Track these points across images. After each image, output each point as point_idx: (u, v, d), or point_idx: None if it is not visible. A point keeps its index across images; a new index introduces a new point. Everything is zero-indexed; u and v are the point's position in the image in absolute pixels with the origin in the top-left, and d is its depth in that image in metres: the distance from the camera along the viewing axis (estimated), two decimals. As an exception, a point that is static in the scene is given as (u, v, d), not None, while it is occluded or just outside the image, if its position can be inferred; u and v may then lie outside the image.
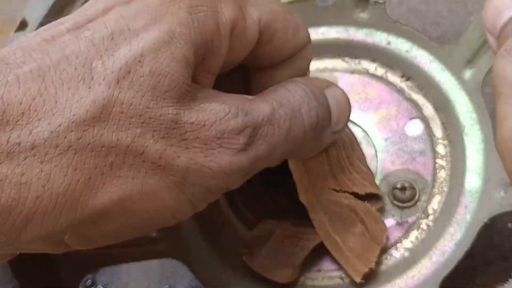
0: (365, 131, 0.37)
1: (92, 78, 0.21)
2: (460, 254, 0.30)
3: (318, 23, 0.39)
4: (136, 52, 0.22)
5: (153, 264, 0.42)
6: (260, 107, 0.25)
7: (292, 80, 0.28)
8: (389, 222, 0.34)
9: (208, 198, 0.25)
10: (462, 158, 0.33)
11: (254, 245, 0.35)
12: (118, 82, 0.21)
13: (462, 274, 0.34)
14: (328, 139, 0.30)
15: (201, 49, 0.24)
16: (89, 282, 0.41)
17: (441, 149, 0.35)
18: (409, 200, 0.34)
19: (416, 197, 0.34)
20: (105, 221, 0.22)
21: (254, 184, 0.35)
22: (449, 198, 0.33)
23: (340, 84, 0.38)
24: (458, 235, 0.31)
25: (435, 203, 0.33)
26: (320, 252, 0.33)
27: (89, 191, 0.21)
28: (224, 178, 0.24)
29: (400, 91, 0.37)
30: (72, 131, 0.20)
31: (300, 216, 0.33)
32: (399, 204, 0.34)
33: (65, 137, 0.20)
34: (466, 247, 0.30)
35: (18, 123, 0.20)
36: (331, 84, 0.30)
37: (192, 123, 0.23)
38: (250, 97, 0.26)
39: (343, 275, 0.33)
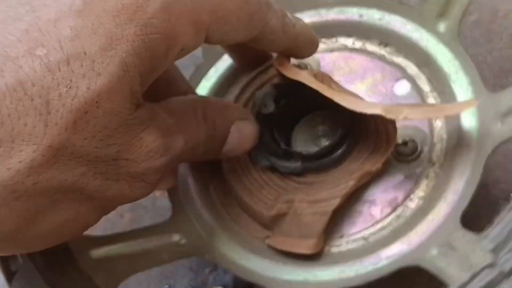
0: (356, 101, 0.38)
1: (49, 113, 0.21)
2: (472, 190, 0.31)
3: (290, 11, 0.41)
4: (94, 92, 0.22)
5: None
6: (177, 140, 0.27)
7: (201, 109, 0.30)
8: (398, 178, 0.34)
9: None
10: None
11: (273, 226, 0.35)
12: (75, 123, 0.22)
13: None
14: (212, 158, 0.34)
15: (147, 77, 0.25)
16: None
17: (432, 100, 0.36)
18: (413, 153, 0.35)
19: (419, 149, 0.35)
20: (38, 241, 0.25)
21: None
22: (449, 143, 0.34)
23: (322, 64, 0.40)
24: (467, 173, 0.32)
25: (438, 151, 0.35)
26: (339, 217, 0.34)
27: (32, 225, 0.23)
28: (132, 201, 0.27)
29: (381, 58, 0.39)
30: (29, 176, 0.21)
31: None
32: (404, 158, 0.35)
33: (22, 183, 0.21)
34: (476, 181, 0.31)
35: None
36: (245, 118, 0.33)
37: (127, 159, 0.24)
38: (170, 121, 0.27)
39: (366, 234, 0.34)
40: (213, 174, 0.38)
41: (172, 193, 0.37)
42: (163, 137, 0.26)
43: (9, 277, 0.30)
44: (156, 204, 0.46)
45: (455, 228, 0.30)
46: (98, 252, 0.34)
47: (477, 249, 0.26)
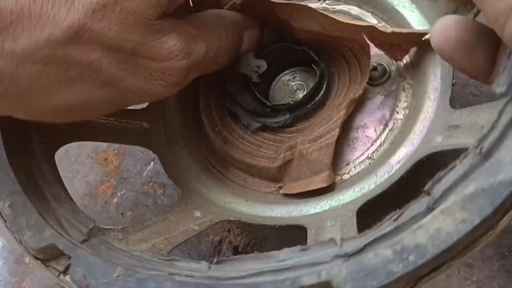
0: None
1: (73, 2, 0.25)
2: (450, 78, 0.33)
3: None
4: None
5: None
6: (199, 48, 0.30)
7: (223, 22, 0.34)
8: (379, 99, 0.36)
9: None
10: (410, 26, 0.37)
11: (282, 176, 0.35)
12: (93, 13, 0.25)
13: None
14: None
15: None
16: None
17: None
18: (384, 75, 0.37)
19: (388, 70, 0.37)
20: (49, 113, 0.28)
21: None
22: (416, 57, 0.37)
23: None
24: (438, 70, 0.34)
25: (404, 66, 0.37)
26: (339, 148, 0.35)
27: (45, 95, 0.26)
28: (153, 99, 0.30)
29: (324, 10, 0.41)
30: (46, 47, 0.25)
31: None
32: (378, 82, 0.37)
33: (40, 51, 0.25)
34: (450, 70, 0.34)
35: (5, 30, 0.24)
36: (252, 26, 0.37)
37: (145, 56, 0.27)
38: (193, 31, 0.30)
39: (369, 154, 0.35)
40: (209, 152, 0.38)
41: (175, 176, 0.37)
42: (185, 42, 0.28)
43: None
44: (158, 203, 0.45)
45: (450, 112, 0.32)
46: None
47: (482, 110, 0.28)
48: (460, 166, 0.23)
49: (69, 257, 0.27)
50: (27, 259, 0.47)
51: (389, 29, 0.33)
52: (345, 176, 0.35)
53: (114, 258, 0.26)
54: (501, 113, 0.23)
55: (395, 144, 0.34)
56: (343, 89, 0.37)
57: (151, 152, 0.41)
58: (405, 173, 0.31)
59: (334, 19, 0.34)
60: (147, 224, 0.33)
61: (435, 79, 0.35)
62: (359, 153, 0.35)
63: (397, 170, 0.32)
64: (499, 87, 0.24)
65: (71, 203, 0.33)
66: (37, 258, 0.28)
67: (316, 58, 0.36)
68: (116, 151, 0.50)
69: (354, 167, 0.35)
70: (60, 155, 0.40)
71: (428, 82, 0.35)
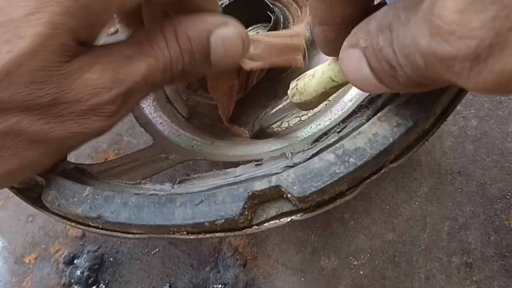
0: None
1: None
2: None
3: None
4: (17, 54, 0.23)
5: (155, 262, 0.42)
6: (136, 67, 0.27)
7: (172, 27, 0.28)
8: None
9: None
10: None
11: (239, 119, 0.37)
12: None
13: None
14: (208, 71, 0.31)
15: (87, 32, 0.26)
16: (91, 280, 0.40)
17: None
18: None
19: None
20: None
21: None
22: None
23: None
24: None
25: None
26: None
27: None
28: (94, 136, 0.27)
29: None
30: None
31: None
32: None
33: None
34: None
35: None
36: (224, 24, 0.29)
37: (67, 102, 0.25)
38: (129, 51, 0.27)
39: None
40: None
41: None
42: (112, 71, 0.26)
43: (35, 200, 0.30)
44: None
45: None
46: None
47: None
48: (397, 82, 0.25)
49: (42, 186, 0.28)
50: (27, 259, 0.47)
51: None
52: (304, 117, 0.37)
53: (84, 182, 0.28)
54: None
55: (349, 86, 0.36)
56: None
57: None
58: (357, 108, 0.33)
59: None
60: (120, 163, 0.35)
61: None
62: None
63: (349, 107, 0.34)
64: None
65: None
66: (12, 187, 0.29)
67: (271, 6, 0.39)
68: (116, 151, 0.50)
69: (310, 111, 0.37)
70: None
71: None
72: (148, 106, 0.40)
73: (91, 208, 0.26)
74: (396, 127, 0.24)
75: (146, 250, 0.45)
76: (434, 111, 0.25)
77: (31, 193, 0.29)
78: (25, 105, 0.24)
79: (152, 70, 0.27)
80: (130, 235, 0.26)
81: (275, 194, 0.25)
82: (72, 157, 0.49)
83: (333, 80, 0.26)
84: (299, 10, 0.39)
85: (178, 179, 0.27)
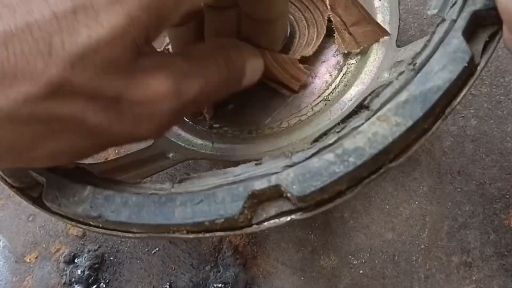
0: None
1: (51, 55, 0.23)
2: (396, 22, 0.36)
3: None
4: (95, 40, 0.23)
5: (155, 261, 0.42)
6: (192, 86, 0.28)
7: (224, 53, 0.31)
8: (334, 47, 0.39)
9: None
10: None
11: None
12: (72, 66, 0.23)
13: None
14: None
15: (155, 29, 0.26)
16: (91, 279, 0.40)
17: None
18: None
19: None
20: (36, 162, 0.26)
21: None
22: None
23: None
24: (387, 16, 0.37)
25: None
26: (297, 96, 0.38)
27: (29, 150, 0.25)
28: (140, 141, 0.28)
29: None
30: (25, 106, 0.23)
31: None
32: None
33: (18, 111, 0.23)
34: (396, 14, 0.36)
35: None
36: (252, 56, 0.34)
37: (130, 100, 0.25)
38: (185, 67, 0.28)
39: (325, 96, 0.37)
40: None
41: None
42: (174, 83, 0.26)
43: (35, 200, 0.30)
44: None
45: (395, 51, 0.34)
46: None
47: (422, 42, 0.31)
48: (396, 82, 0.25)
49: (43, 186, 0.28)
50: (28, 258, 0.47)
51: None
52: (303, 117, 0.37)
53: (85, 181, 0.28)
54: (433, 33, 0.26)
55: (348, 86, 0.36)
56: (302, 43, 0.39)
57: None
58: (356, 107, 0.34)
59: None
60: (120, 162, 0.35)
61: (384, 25, 0.37)
62: (316, 97, 0.37)
63: (349, 107, 0.35)
64: (430, 10, 0.27)
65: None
66: (13, 187, 0.29)
67: None
68: (116, 151, 0.50)
69: (311, 108, 0.37)
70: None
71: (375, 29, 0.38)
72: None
73: (91, 207, 0.26)
74: (395, 126, 0.24)
75: (146, 249, 0.45)
76: (433, 110, 0.25)
77: (32, 192, 0.29)
78: (93, 93, 0.24)
79: (204, 90, 0.28)
80: (130, 234, 0.26)
81: (275, 193, 0.25)
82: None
83: None
84: (307, 29, 0.39)
85: (178, 179, 0.28)
